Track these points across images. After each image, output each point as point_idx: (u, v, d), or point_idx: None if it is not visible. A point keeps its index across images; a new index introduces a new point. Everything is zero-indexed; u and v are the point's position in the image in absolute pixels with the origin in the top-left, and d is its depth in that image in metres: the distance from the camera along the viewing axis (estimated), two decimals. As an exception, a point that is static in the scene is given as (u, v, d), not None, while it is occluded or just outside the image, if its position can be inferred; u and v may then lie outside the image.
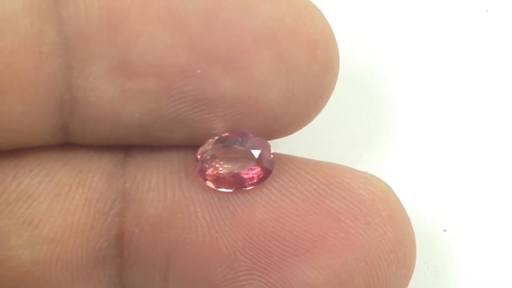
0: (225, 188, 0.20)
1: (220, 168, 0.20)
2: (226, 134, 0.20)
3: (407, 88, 0.29)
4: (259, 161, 0.20)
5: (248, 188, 0.21)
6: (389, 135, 0.28)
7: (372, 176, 0.21)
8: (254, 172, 0.20)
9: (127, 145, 0.22)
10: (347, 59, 0.26)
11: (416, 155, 0.28)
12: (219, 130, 0.20)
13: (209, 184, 0.20)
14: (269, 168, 0.20)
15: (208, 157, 0.20)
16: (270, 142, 0.21)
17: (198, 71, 0.19)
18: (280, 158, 0.21)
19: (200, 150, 0.20)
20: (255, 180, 0.20)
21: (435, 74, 0.29)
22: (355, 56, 0.29)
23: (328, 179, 0.21)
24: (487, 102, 0.29)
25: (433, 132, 0.28)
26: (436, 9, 0.30)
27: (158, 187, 0.21)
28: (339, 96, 0.27)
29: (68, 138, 0.21)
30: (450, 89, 0.29)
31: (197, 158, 0.20)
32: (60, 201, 0.20)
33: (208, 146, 0.20)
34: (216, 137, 0.20)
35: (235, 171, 0.20)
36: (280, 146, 0.22)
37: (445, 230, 0.27)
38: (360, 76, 0.29)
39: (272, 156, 0.21)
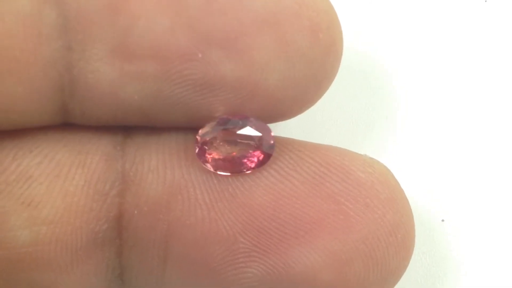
0: (224, 171, 0.20)
1: (220, 151, 0.20)
2: (226, 116, 0.20)
3: (407, 82, 0.29)
4: (259, 145, 0.20)
5: (247, 172, 0.20)
6: (389, 127, 0.28)
7: (372, 158, 0.21)
8: (253, 156, 0.20)
9: (127, 126, 0.22)
10: (348, 51, 0.26)
11: (415, 147, 0.28)
12: (220, 113, 0.20)
13: (208, 166, 0.20)
14: (269, 153, 0.20)
15: (208, 139, 0.20)
16: (270, 126, 0.21)
17: (200, 55, 0.19)
18: (280, 141, 0.21)
19: (200, 132, 0.20)
20: (254, 164, 0.20)
21: (435, 66, 0.29)
22: (356, 47, 0.29)
23: (328, 161, 0.21)
24: (486, 94, 0.29)
25: (433, 124, 0.28)
26: (435, 1, 0.30)
27: (157, 168, 0.21)
28: (340, 87, 0.28)
29: (68, 119, 0.21)
30: (449, 81, 0.29)
31: (196, 140, 0.20)
32: (60, 182, 0.20)
33: (208, 128, 0.20)
34: (217, 120, 0.20)
35: (235, 154, 0.20)
36: (279, 134, 0.22)
37: (443, 220, 0.27)
38: (362, 68, 0.29)
39: (272, 141, 0.20)
